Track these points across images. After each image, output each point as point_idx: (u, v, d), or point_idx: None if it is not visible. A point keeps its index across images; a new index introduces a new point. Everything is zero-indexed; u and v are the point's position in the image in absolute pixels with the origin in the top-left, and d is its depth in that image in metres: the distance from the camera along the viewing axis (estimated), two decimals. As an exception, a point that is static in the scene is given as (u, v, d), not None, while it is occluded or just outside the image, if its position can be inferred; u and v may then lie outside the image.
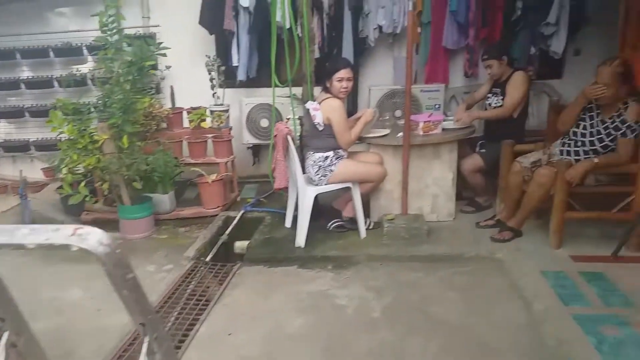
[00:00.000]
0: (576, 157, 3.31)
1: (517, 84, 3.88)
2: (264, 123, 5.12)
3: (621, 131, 3.12)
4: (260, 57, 5.02)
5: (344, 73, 3.59)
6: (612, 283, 2.86)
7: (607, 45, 4.95)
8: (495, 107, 4.07)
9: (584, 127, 3.31)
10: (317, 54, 4.80)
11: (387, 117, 4.16)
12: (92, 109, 4.35)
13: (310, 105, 3.65)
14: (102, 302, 3.02)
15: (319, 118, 3.57)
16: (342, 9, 4.77)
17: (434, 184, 3.97)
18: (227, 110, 4.83)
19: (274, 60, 4.00)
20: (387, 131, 3.98)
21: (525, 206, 3.43)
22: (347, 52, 4.83)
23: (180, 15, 5.26)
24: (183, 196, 5.07)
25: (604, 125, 3.21)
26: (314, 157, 3.67)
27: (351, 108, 5.23)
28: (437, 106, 5.03)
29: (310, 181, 3.74)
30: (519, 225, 3.54)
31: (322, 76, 3.70)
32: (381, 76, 5.25)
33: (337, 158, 3.67)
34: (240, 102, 5.12)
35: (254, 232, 4.08)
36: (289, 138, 3.60)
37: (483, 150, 4.05)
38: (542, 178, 3.27)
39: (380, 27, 4.83)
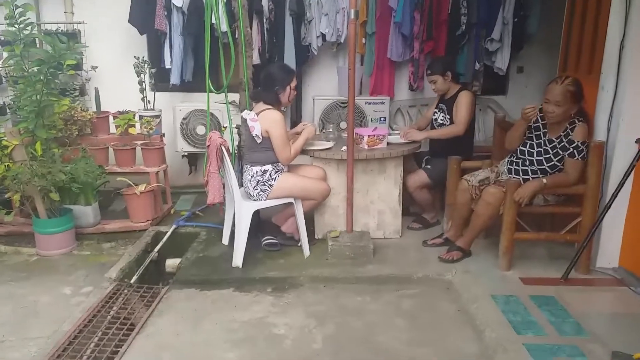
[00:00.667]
0: (524, 177, 3.22)
1: (464, 103, 3.77)
2: (201, 130, 4.78)
3: (568, 151, 3.06)
4: (196, 60, 4.70)
5: (295, 81, 3.42)
6: (563, 308, 2.76)
7: (549, 65, 5.01)
8: (442, 124, 3.96)
9: (531, 146, 3.23)
10: (256, 60, 4.55)
11: (331, 130, 3.94)
12: (8, 110, 3.87)
13: (247, 115, 3.36)
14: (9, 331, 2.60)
15: (257, 130, 3.30)
16: (284, 14, 4.53)
17: (380, 200, 3.79)
18: (158, 116, 4.45)
19: (207, 64, 3.70)
20: (330, 144, 3.77)
21: (473, 226, 3.31)
22: (289, 59, 4.59)
23: (108, 12, 4.85)
24: (111, 207, 4.64)
25: (551, 145, 3.14)
26: (252, 171, 3.39)
27: (295, 118, 4.99)
28: (382, 119, 4.89)
29: (248, 196, 3.46)
30: (467, 245, 3.41)
31: (265, 83, 3.42)
32: (325, 86, 5.05)
33: (276, 172, 3.41)
34: (174, 108, 4.76)
35: (187, 249, 3.75)
36: (224, 149, 3.30)
37: (428, 167, 3.91)
38: (491, 197, 3.16)
39: (323, 35, 4.63)
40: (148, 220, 4.18)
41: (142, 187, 4.14)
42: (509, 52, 4.83)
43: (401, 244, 3.76)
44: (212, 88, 3.79)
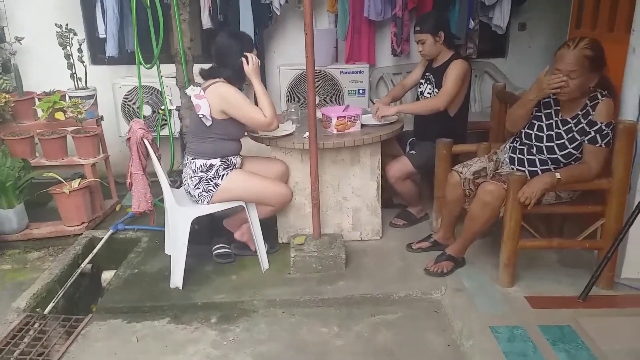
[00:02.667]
0: (530, 168, 2.54)
1: (454, 73, 3.03)
2: (147, 110, 4.07)
3: (589, 136, 2.37)
4: (140, 24, 3.91)
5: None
6: (583, 345, 2.13)
7: (557, 20, 4.26)
8: (428, 98, 3.24)
9: (540, 129, 2.54)
10: (206, 24, 3.80)
11: (293, 109, 3.21)
12: None
13: (191, 91, 2.66)
14: None
15: (205, 109, 2.61)
16: (237, -34, 3.74)
17: (354, 196, 3.12)
18: (91, 96, 3.72)
19: (135, 31, 2.98)
20: (292, 128, 3.07)
21: (467, 231, 2.66)
22: (246, 21, 3.82)
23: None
24: (46, 207, 3.96)
25: (565, 127, 2.46)
26: (194, 165, 2.71)
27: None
28: (361, 91, 4.17)
29: (189, 196, 2.78)
30: (459, 252, 2.77)
31: (220, 57, 2.69)
32: (293, 53, 4.29)
33: (225, 168, 2.73)
34: (113, 84, 4.02)
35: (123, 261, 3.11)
36: (147, 142, 2.59)
37: (413, 152, 3.22)
38: (488, 196, 2.49)
39: (287, -9, 3.86)
40: (83, 222, 3.51)
41: (75, 184, 3.47)
42: (509, 6, 4.06)
43: (381, 248, 3.11)
44: (142, 60, 3.06)
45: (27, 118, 3.72)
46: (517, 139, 2.66)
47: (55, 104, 3.57)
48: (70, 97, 3.68)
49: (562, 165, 2.48)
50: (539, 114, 2.57)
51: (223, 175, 2.70)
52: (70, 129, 3.68)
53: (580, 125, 2.40)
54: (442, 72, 3.11)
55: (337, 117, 2.98)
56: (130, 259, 3.09)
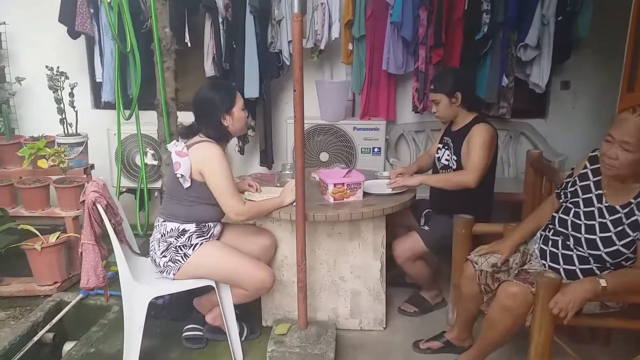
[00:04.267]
0: (567, 267, 2.01)
1: (479, 142, 2.55)
2: (150, 159, 3.75)
3: (645, 232, 1.84)
4: (142, 69, 3.64)
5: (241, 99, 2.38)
6: None
7: (606, 79, 3.75)
8: (446, 167, 2.77)
9: (577, 215, 2.02)
10: (210, 71, 3.49)
11: (288, 170, 2.79)
12: None
13: (173, 147, 2.29)
14: None
15: (184, 168, 2.23)
16: (244, 12, 3.42)
17: (353, 276, 2.64)
18: (81, 143, 3.43)
19: (118, 79, 2.67)
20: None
21: (484, 338, 2.11)
22: (251, 70, 3.49)
23: (37, 10, 3.88)
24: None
25: (613, 217, 1.93)
26: (165, 228, 2.31)
27: (264, 147, 3.86)
28: (376, 150, 3.73)
29: (155, 265, 2.37)
30: (474, 363, 2.22)
31: (199, 111, 2.34)
32: (305, 106, 3.91)
33: (200, 236, 2.31)
34: (108, 131, 3.74)
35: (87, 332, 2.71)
36: (100, 207, 2.20)
37: (426, 228, 2.72)
38: (510, 300, 1.96)
39: (299, 40, 3.50)
40: (56, 282, 3.16)
41: (53, 238, 3.15)
42: (549, 63, 3.58)
43: (383, 343, 2.59)
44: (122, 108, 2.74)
45: (13, 164, 3.46)
46: (549, 227, 2.14)
47: (39, 151, 3.29)
48: (59, 144, 3.41)
49: (608, 266, 1.94)
50: (576, 199, 2.06)
51: (195, 245, 2.29)
52: (54, 177, 3.40)
53: (634, 218, 1.87)
54: (462, 136, 2.64)
55: (335, 184, 2.54)
56: (90, 334, 2.67)
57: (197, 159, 2.23)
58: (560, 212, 2.10)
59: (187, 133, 2.35)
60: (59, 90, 3.38)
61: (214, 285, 2.34)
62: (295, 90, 2.18)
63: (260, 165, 3.86)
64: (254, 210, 2.35)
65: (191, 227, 2.31)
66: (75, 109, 3.42)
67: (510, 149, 4.03)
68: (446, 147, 2.77)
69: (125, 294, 2.31)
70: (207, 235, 2.34)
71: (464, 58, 3.53)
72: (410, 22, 3.40)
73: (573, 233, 2.02)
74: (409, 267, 2.72)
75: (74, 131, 3.47)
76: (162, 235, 2.31)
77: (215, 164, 2.21)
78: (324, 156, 3.70)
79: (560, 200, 2.16)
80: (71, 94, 3.40)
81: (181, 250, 2.27)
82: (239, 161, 4.07)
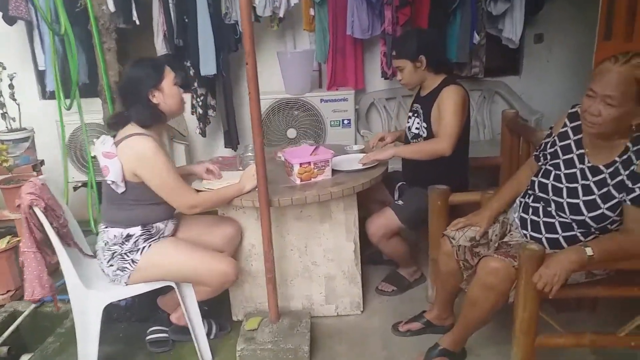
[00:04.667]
0: (549, 235, 1.86)
1: (450, 105, 2.35)
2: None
3: (632, 194, 1.68)
4: (89, 54, 3.37)
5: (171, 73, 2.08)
6: None
7: (581, 29, 3.58)
8: (417, 135, 2.58)
9: (557, 178, 1.86)
10: (161, 50, 3.23)
11: (250, 152, 2.57)
12: None
13: (100, 147, 2.04)
14: None
15: (115, 172, 1.98)
16: (192, -20, 3.15)
17: (326, 260, 2.47)
18: (26, 139, 3.17)
19: (55, 64, 2.40)
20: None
21: (466, 318, 1.97)
22: (206, 44, 3.22)
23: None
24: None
25: (596, 178, 1.77)
26: (108, 235, 2.10)
27: (227, 127, 3.62)
28: (346, 122, 3.53)
29: (105, 275, 2.17)
30: (456, 344, 2.07)
31: (124, 93, 2.10)
32: (267, 80, 3.69)
33: (148, 239, 2.10)
34: (57, 123, 3.47)
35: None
36: (37, 211, 1.98)
37: (399, 202, 2.55)
38: (491, 277, 1.80)
39: (254, 9, 3.25)
40: (9, 291, 2.94)
41: (2, 243, 2.92)
42: (522, 15, 3.39)
43: (361, 328, 2.44)
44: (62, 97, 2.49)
45: (-43, 165, 3.20)
46: (529, 193, 1.98)
47: (-20, 150, 3.04)
48: (2, 141, 3.15)
49: (593, 231, 1.79)
50: (556, 160, 1.89)
51: (143, 248, 2.08)
52: (1, 177, 3.15)
53: (619, 178, 1.71)
54: (431, 101, 2.45)
55: (301, 164, 2.34)
56: (46, 345, 2.48)
57: (127, 159, 1.97)
58: (539, 175, 1.93)
59: (116, 123, 2.07)
60: (-2, 81, 3.11)
61: (174, 285, 2.16)
62: (247, 64, 1.96)
63: (225, 147, 3.64)
64: (210, 201, 2.15)
65: (136, 230, 2.08)
66: (17, 102, 3.15)
67: (484, 109, 3.86)
68: (416, 115, 2.58)
69: (74, 303, 2.11)
70: (156, 236, 2.12)
71: (433, 16, 3.31)
72: (374, -19, 3.17)
73: (554, 198, 1.86)
74: (385, 245, 2.56)
75: (18, 126, 3.21)
76: (105, 244, 2.09)
77: (149, 161, 1.96)
78: (291, 132, 3.49)
79: (540, 163, 1.99)
80: (11, 86, 3.13)
81: (128, 256, 2.06)
82: (202, 144, 3.84)
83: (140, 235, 2.08)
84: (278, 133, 3.48)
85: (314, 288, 2.51)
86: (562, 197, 1.83)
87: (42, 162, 3.28)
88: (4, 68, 3.12)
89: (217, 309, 2.48)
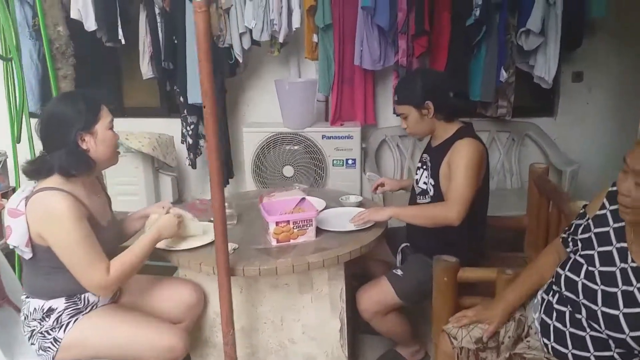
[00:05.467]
0: (577, 352, 1.42)
1: (464, 164, 1.93)
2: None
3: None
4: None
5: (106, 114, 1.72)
6: None
7: (623, 71, 3.12)
8: (423, 192, 2.16)
9: (592, 277, 1.43)
10: (147, 73, 2.93)
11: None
12: None
13: (13, 201, 1.67)
14: None
15: (16, 235, 1.60)
16: (184, 1, 2.83)
17: (306, 338, 2.07)
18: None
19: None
20: (209, 235, 2.06)
21: None
22: (194, 70, 2.89)
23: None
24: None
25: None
26: (27, 309, 1.72)
27: (224, 169, 3.26)
28: (350, 162, 3.14)
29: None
30: None
31: (46, 135, 1.73)
32: (265, 111, 3.35)
33: (74, 314, 1.71)
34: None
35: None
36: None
37: (398, 272, 2.12)
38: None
39: (250, 32, 2.91)
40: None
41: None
42: (557, 51, 2.95)
43: None
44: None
45: None
46: (554, 289, 1.55)
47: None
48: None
49: (637, 354, 1.35)
50: (589, 251, 1.46)
51: (67, 324, 1.71)
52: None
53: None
54: (442, 155, 2.03)
55: (277, 223, 1.96)
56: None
57: (33, 219, 1.59)
58: (567, 268, 1.50)
59: (36, 171, 1.67)
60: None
61: (112, 366, 1.79)
62: (204, 107, 1.60)
63: (217, 181, 3.28)
64: (125, 271, 1.69)
65: (59, 303, 1.69)
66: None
67: (513, 154, 3.42)
68: (424, 168, 2.17)
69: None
70: (85, 309, 1.73)
71: (453, 49, 2.91)
72: (387, 7, 2.78)
73: (585, 302, 1.42)
74: (379, 323, 2.14)
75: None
76: (25, 317, 1.72)
77: (56, 223, 1.57)
78: (287, 171, 3.12)
79: (568, 250, 1.56)
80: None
81: (49, 334, 1.68)
82: (193, 177, 3.51)
83: (64, 310, 1.68)
84: (273, 170, 3.12)
85: (291, 369, 2.12)
86: (596, 304, 1.40)
87: (13, 190, 3.00)
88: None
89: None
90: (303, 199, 2.18)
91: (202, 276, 2.02)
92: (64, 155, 1.62)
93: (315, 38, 2.98)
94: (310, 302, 2.02)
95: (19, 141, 2.26)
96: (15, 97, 2.21)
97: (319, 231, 2.04)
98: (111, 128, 1.72)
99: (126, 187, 3.14)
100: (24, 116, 2.25)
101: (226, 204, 2.15)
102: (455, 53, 2.90)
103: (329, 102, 3.34)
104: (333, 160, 3.10)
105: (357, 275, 2.60)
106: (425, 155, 2.19)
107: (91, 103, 1.68)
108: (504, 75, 2.95)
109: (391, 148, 3.42)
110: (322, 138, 3.07)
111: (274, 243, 1.97)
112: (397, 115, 2.12)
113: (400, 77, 2.90)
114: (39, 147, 1.74)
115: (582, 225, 1.52)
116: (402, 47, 2.90)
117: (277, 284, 2.01)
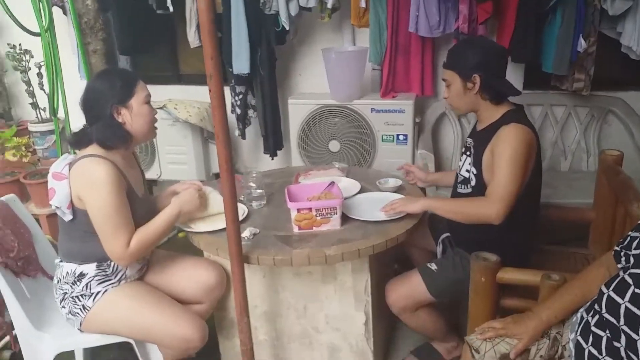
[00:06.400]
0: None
1: (507, 152, 1.69)
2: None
3: None
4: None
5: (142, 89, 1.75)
6: None
7: None
8: (465, 181, 1.94)
9: (637, 301, 1.19)
10: (194, 42, 2.88)
11: (252, 182, 2.10)
12: None
13: (56, 166, 1.74)
14: None
15: (59, 197, 1.68)
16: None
17: (330, 328, 1.98)
18: (53, 131, 3.01)
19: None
20: (243, 214, 1.99)
21: None
22: (239, 38, 2.79)
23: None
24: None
25: None
26: (62, 271, 1.79)
27: (263, 131, 3.17)
28: (401, 137, 2.93)
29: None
30: None
31: (85, 110, 1.76)
32: (310, 82, 3.19)
33: (103, 282, 1.75)
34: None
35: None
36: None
37: (432, 266, 1.95)
38: None
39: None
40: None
41: None
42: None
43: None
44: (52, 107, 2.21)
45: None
46: (595, 308, 1.32)
47: (6, 142, 2.91)
48: (31, 132, 3.02)
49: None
50: (637, 270, 1.21)
51: (97, 293, 1.74)
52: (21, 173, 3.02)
53: None
54: (486, 141, 1.79)
55: (299, 210, 1.85)
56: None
57: (75, 182, 1.67)
58: (612, 287, 1.26)
59: (78, 141, 1.75)
60: (26, 71, 2.95)
61: (132, 343, 1.81)
62: (210, 91, 1.49)
63: (264, 153, 3.22)
64: (143, 246, 1.71)
65: (90, 269, 1.74)
66: (47, 92, 2.97)
67: (591, 133, 3.03)
68: (467, 154, 1.94)
69: (23, 347, 1.85)
70: (114, 278, 1.76)
71: (523, 15, 2.56)
72: (445, -33, 2.49)
73: (626, 329, 1.19)
74: (408, 318, 1.99)
75: (54, 114, 3.05)
76: (58, 281, 1.80)
77: (94, 190, 1.62)
78: (334, 145, 2.97)
79: (619, 265, 1.31)
80: (39, 75, 2.96)
81: (80, 300, 1.75)
82: (245, 148, 3.46)
83: (94, 276, 1.75)
84: (319, 145, 2.99)
85: (315, 356, 2.04)
86: (638, 333, 1.17)
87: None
88: (32, 56, 2.96)
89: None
90: (332, 183, 2.04)
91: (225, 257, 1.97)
92: (101, 127, 1.69)
93: (362, 3, 2.74)
94: (334, 293, 1.92)
95: (55, 114, 2.30)
96: (53, 71, 2.24)
97: (346, 219, 1.90)
98: (148, 102, 1.76)
99: (175, 155, 3.16)
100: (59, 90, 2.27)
101: (254, 185, 2.09)
102: (525, 20, 2.55)
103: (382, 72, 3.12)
104: (383, 135, 2.90)
105: (400, 260, 2.46)
106: (469, 140, 1.96)
107: (127, 78, 1.74)
108: (582, 44, 2.57)
109: (452, 122, 3.16)
110: (372, 111, 2.87)
111: (296, 230, 1.87)
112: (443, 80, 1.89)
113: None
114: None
115: (638, 239, 1.26)
116: (463, 12, 2.60)
117: (299, 272, 1.92)
